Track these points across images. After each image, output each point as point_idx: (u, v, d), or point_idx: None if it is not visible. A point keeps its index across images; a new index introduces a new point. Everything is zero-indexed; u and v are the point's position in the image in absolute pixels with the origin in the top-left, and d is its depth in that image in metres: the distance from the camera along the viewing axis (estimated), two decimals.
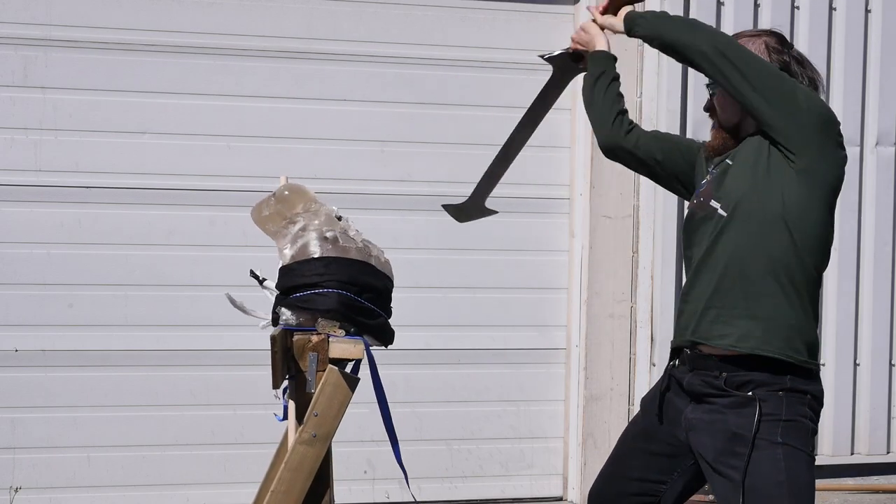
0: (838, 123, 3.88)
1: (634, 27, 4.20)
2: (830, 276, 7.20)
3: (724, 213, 3.89)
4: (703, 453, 3.90)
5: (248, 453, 6.43)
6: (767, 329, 3.83)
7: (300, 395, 3.94)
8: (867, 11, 7.25)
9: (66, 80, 6.30)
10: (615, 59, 4.38)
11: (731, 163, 3.95)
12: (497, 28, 6.83)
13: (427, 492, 6.78)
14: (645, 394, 4.25)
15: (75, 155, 6.32)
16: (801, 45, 7.13)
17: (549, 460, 6.98)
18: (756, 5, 7.06)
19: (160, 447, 6.46)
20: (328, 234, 4.01)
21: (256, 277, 4.08)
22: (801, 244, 3.83)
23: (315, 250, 3.97)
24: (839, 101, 7.20)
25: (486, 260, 6.84)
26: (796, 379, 3.83)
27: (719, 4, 7.00)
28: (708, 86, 4.01)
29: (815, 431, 3.89)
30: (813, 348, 3.89)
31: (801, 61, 3.96)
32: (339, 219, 4.10)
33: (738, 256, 3.87)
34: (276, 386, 3.94)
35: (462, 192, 6.78)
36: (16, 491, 6.24)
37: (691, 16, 6.95)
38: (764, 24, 7.06)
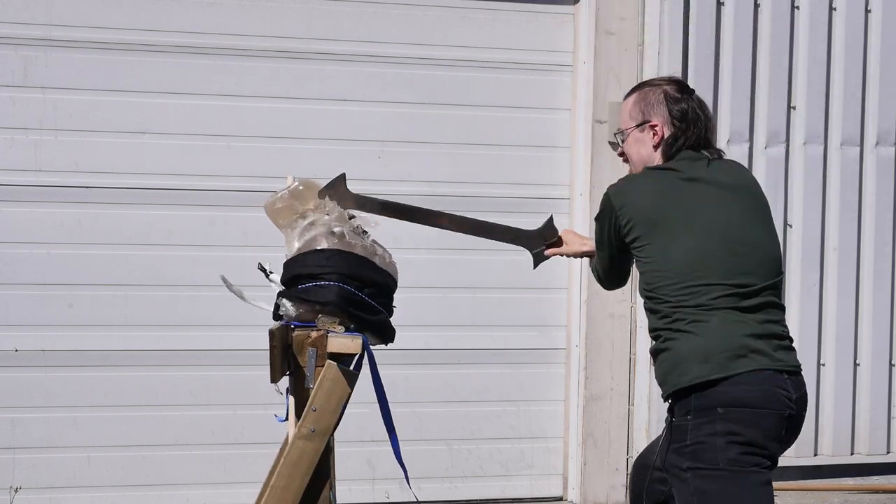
0: (605, 211, 4.14)
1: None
2: (830, 276, 7.21)
3: None
4: None
5: (248, 453, 6.43)
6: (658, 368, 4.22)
7: (299, 390, 3.95)
8: (867, 11, 7.25)
9: (66, 80, 6.30)
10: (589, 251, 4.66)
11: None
12: (497, 28, 6.83)
13: (427, 492, 6.78)
14: None
15: (75, 155, 6.32)
16: (801, 45, 7.14)
17: (549, 460, 6.98)
18: (756, 5, 7.06)
19: (160, 447, 6.46)
20: (336, 230, 4.03)
21: (263, 270, 4.10)
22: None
23: (321, 243, 3.99)
24: (839, 101, 7.20)
25: (486, 260, 6.83)
26: (702, 396, 3.97)
27: (719, 4, 7.00)
28: (615, 134, 4.34)
29: (734, 442, 3.92)
30: (698, 360, 4.01)
31: (698, 109, 4.15)
32: (353, 218, 4.13)
33: None
34: (273, 380, 3.94)
35: (462, 191, 6.81)
36: (16, 491, 6.24)
37: (691, 16, 6.96)
38: (764, 25, 7.07)
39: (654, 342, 4.15)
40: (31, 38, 6.26)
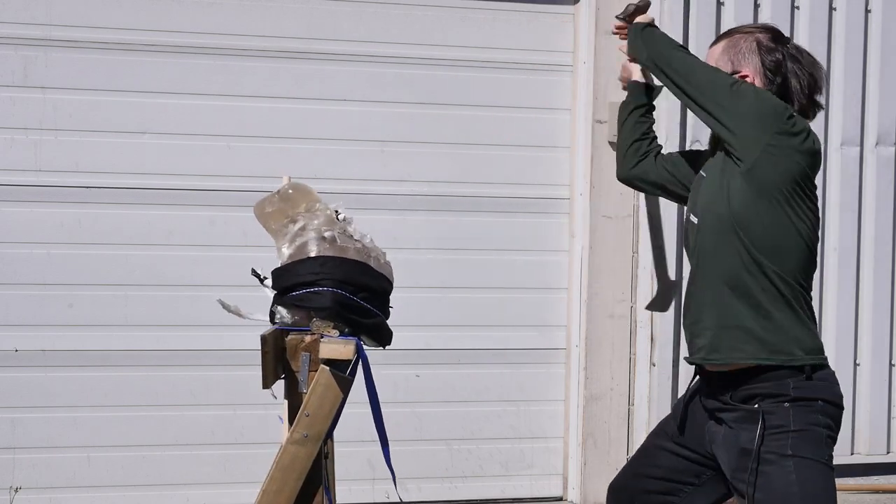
0: (783, 118, 3.77)
1: (630, 50, 4.33)
2: (830, 276, 7.21)
3: (697, 227, 3.90)
4: (724, 468, 3.91)
5: (248, 453, 6.43)
6: (736, 338, 3.80)
7: (293, 395, 3.94)
8: (867, 11, 7.25)
9: (66, 80, 6.30)
10: (647, 86, 4.41)
11: (704, 175, 3.95)
12: (497, 28, 6.83)
13: (427, 492, 6.78)
14: (680, 396, 4.24)
15: (75, 155, 6.32)
16: (801, 45, 7.11)
17: (549, 460, 6.98)
18: (756, 5, 7.06)
19: (160, 447, 6.46)
20: (326, 234, 4.01)
21: (258, 276, 4.08)
22: (752, 249, 3.78)
23: (312, 250, 3.97)
24: (839, 101, 7.20)
25: (486, 260, 6.84)
26: (801, 387, 3.78)
27: (719, 4, 7.00)
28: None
29: (831, 438, 3.81)
30: (800, 347, 3.82)
31: (797, 58, 3.89)
32: (345, 219, 4.10)
33: (707, 268, 3.87)
34: (265, 386, 3.94)
35: (462, 191, 6.81)
36: (16, 491, 6.24)
37: (691, 16, 6.96)
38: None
39: (752, 294, 3.80)
40: (31, 38, 6.26)
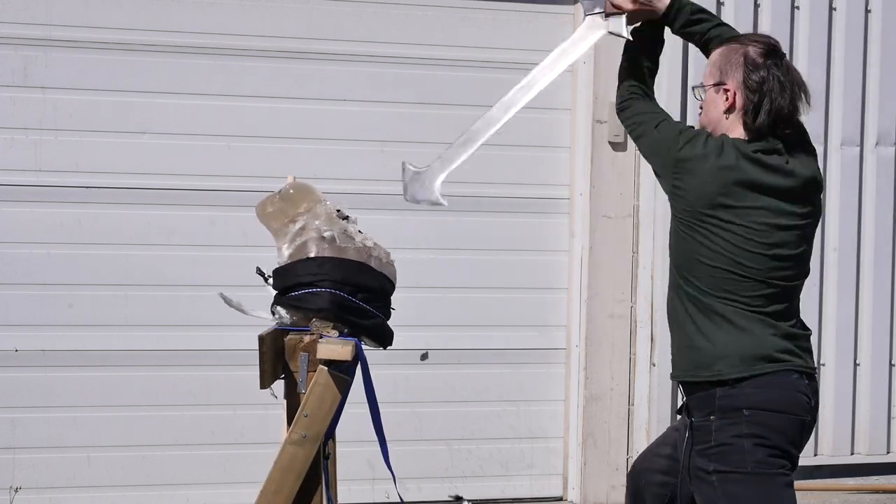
0: (675, 144, 3.91)
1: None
2: (830, 276, 7.21)
3: None
4: None
5: (248, 453, 6.43)
6: (676, 353, 3.98)
7: (292, 395, 3.94)
8: (867, 11, 7.25)
9: (66, 80, 6.30)
10: (655, 23, 4.35)
11: None
12: (497, 28, 6.82)
13: (427, 492, 6.78)
14: None
15: (75, 155, 6.32)
16: (801, 45, 7.13)
17: (549, 460, 6.98)
18: (756, 5, 7.06)
19: (160, 447, 6.46)
20: (326, 234, 4.00)
21: (262, 275, 4.07)
22: (675, 273, 3.98)
23: (312, 250, 3.97)
24: (839, 101, 7.20)
25: (486, 260, 6.84)
26: (727, 396, 3.84)
27: (719, 4, 7.00)
28: (694, 88, 4.12)
29: (761, 445, 3.83)
30: (731, 361, 3.86)
31: (780, 78, 3.89)
32: (346, 218, 4.09)
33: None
34: (263, 386, 3.93)
35: (462, 191, 6.80)
36: (16, 491, 6.24)
37: None
38: (764, 25, 7.06)
39: (680, 316, 3.94)
40: (31, 38, 6.26)
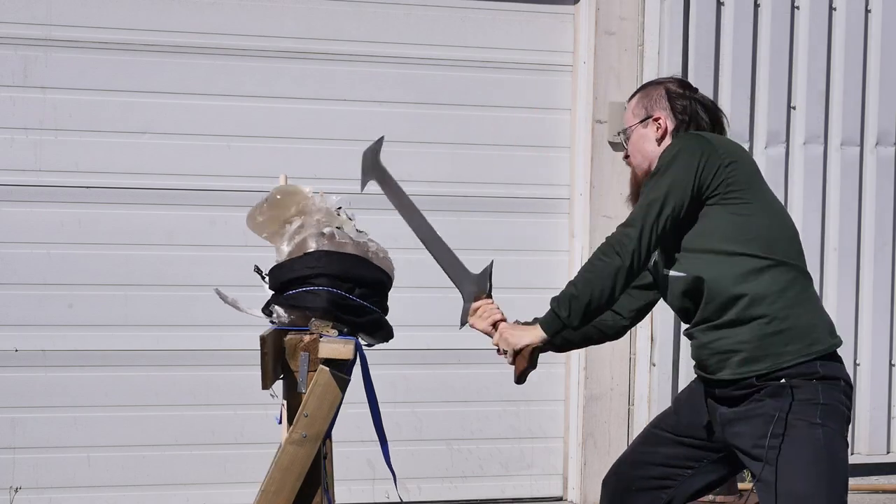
0: (690, 150, 3.94)
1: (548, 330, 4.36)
2: (830, 276, 7.21)
3: None
4: (740, 443, 3.96)
5: (248, 453, 6.43)
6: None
7: (292, 395, 3.94)
8: (867, 11, 7.25)
9: (66, 80, 6.30)
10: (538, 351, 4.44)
11: None
12: (497, 28, 6.83)
13: (427, 492, 6.78)
14: (679, 392, 4.38)
15: (75, 155, 6.32)
16: (801, 45, 7.14)
17: (549, 460, 6.98)
18: (756, 5, 7.06)
19: (160, 447, 6.46)
20: (325, 230, 4.00)
21: (260, 273, 4.06)
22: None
23: (311, 245, 3.96)
24: (839, 101, 7.20)
25: (485, 260, 6.82)
26: (826, 365, 3.97)
27: (719, 4, 7.00)
28: (618, 134, 4.28)
29: (849, 419, 3.99)
30: (828, 329, 4.16)
31: (702, 102, 4.14)
32: (346, 216, 4.09)
33: None
34: (265, 386, 3.93)
35: (462, 191, 6.81)
36: (16, 491, 6.24)
37: (691, 16, 6.95)
38: (764, 25, 7.07)
39: (740, 309, 3.94)
40: (31, 38, 6.26)
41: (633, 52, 6.84)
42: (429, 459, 6.78)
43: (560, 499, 7.00)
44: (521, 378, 4.30)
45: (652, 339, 6.92)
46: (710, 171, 3.90)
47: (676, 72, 6.89)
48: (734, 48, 7.01)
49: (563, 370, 6.95)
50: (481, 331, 4.41)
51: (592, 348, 6.83)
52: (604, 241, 4.08)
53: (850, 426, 7.23)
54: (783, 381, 3.89)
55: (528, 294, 6.89)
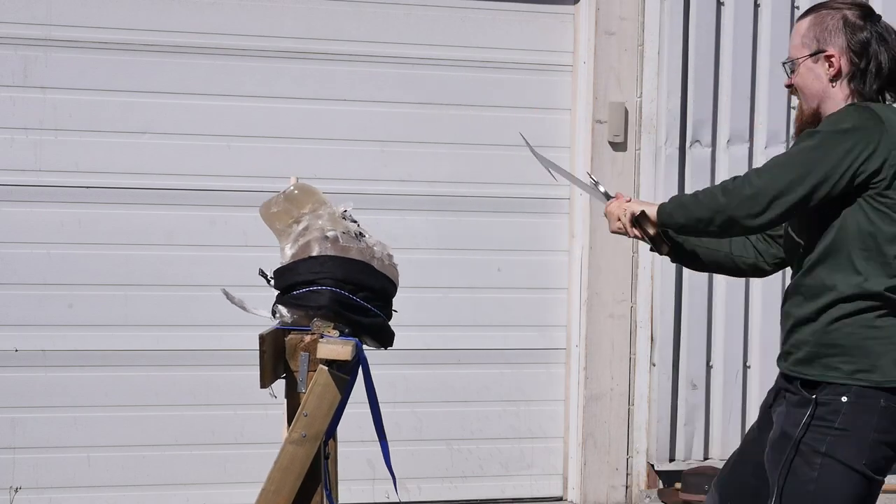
0: (836, 131, 3.65)
1: (661, 218, 3.91)
2: None
3: None
4: (767, 441, 3.76)
5: (248, 453, 6.43)
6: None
7: (292, 395, 3.94)
8: None
9: (66, 80, 6.30)
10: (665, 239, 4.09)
11: None
12: (497, 28, 6.83)
13: (427, 492, 6.78)
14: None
15: (75, 155, 6.32)
16: None
17: (549, 460, 6.98)
18: (756, 5, 7.06)
19: (160, 447, 6.46)
20: (329, 234, 4.01)
21: (265, 276, 4.07)
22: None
23: (315, 249, 3.97)
24: None
25: (486, 260, 6.84)
26: (867, 386, 3.61)
27: (719, 4, 7.00)
28: (784, 64, 3.84)
29: (885, 444, 3.62)
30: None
31: (884, 37, 3.73)
32: (355, 222, 4.09)
33: None
34: (263, 385, 3.94)
35: (462, 191, 6.81)
36: (16, 491, 6.24)
37: (691, 16, 6.95)
38: (764, 25, 7.06)
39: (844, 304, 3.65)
40: (31, 38, 6.26)
41: (633, 52, 6.84)
42: (429, 459, 6.78)
43: (560, 499, 7.00)
44: (653, 245, 4.02)
45: (652, 340, 6.92)
46: (872, 165, 3.56)
47: (676, 71, 6.89)
48: (734, 48, 7.01)
49: (563, 370, 6.96)
50: (614, 214, 4.02)
51: (592, 349, 6.84)
52: (739, 175, 3.72)
53: None
54: (814, 396, 3.63)
55: (528, 294, 6.90)
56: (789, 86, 3.83)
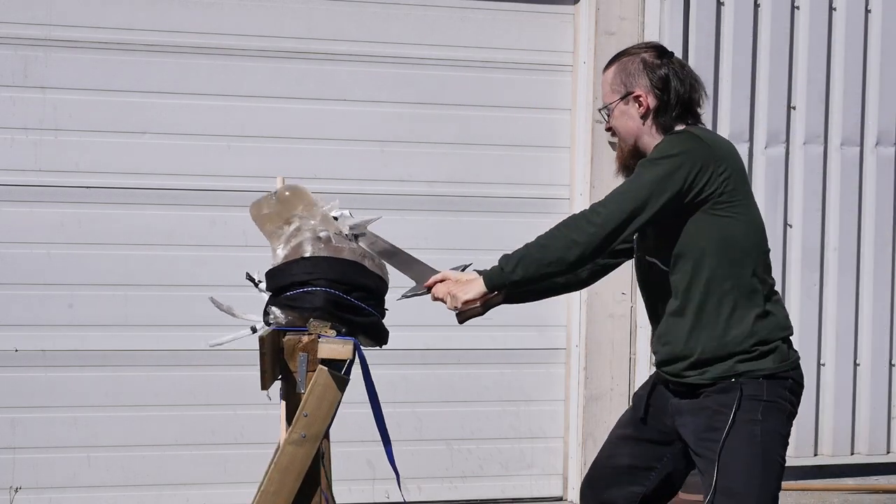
0: (666, 156, 3.90)
1: (493, 282, 4.33)
2: (830, 276, 7.21)
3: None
4: (686, 435, 4.03)
5: (248, 453, 6.43)
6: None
7: (291, 395, 3.94)
8: (867, 11, 7.25)
9: (66, 80, 6.30)
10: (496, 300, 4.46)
11: None
12: (497, 28, 6.83)
13: (427, 492, 6.78)
14: (637, 389, 4.39)
15: (75, 155, 6.32)
16: (801, 44, 7.14)
17: (549, 460, 6.98)
18: (756, 5, 7.06)
19: (160, 447, 6.46)
20: (321, 234, 4.00)
21: (252, 280, 4.07)
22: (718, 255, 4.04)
23: (307, 250, 3.97)
24: (839, 101, 7.20)
25: (486, 260, 6.81)
26: (777, 366, 3.98)
27: (719, 4, 7.00)
28: (600, 110, 4.15)
29: (793, 414, 4.02)
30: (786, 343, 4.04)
31: (680, 73, 4.05)
32: (345, 217, 4.08)
33: None
34: (264, 387, 3.94)
35: (462, 191, 6.81)
36: (16, 491, 6.24)
37: (691, 16, 6.95)
38: (764, 25, 7.07)
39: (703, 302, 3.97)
40: (31, 38, 6.26)
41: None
42: (429, 459, 6.78)
43: (560, 499, 7.00)
44: (462, 319, 4.40)
45: None
46: (703, 179, 3.87)
47: None
48: (734, 48, 7.01)
49: (563, 370, 6.96)
50: (429, 290, 4.35)
51: (592, 349, 6.84)
52: (576, 213, 4.06)
53: (851, 427, 7.30)
54: (733, 379, 3.95)
55: None
56: (609, 129, 4.13)
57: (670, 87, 4.01)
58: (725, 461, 3.90)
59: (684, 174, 3.85)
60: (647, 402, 4.19)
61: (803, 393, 4.07)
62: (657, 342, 4.12)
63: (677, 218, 3.91)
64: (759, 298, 3.96)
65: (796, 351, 4.05)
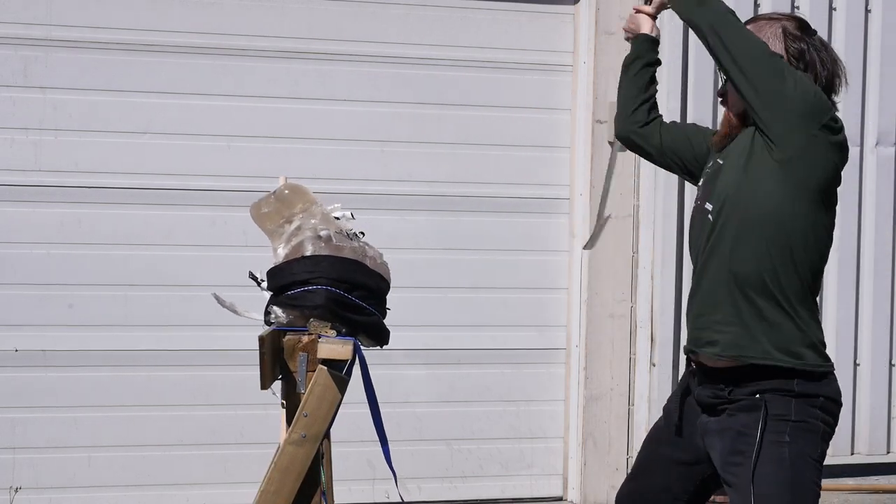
0: (829, 112, 3.70)
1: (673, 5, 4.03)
2: (830, 276, 7.20)
3: (712, 217, 3.77)
4: (714, 457, 3.84)
5: (248, 453, 6.43)
6: (754, 337, 3.75)
7: (291, 395, 3.94)
8: (867, 11, 7.25)
9: (66, 80, 6.30)
10: (656, 41, 4.30)
11: (721, 162, 3.82)
12: (497, 28, 6.83)
13: (427, 492, 6.78)
14: (667, 399, 4.17)
15: (75, 155, 6.32)
16: None
17: (549, 460, 6.98)
18: (756, 5, 7.06)
19: (160, 447, 6.46)
20: (322, 233, 4.00)
21: (255, 279, 4.07)
22: (786, 248, 3.71)
23: (308, 249, 3.97)
24: (839, 101, 7.18)
25: (486, 260, 6.83)
26: (805, 383, 3.79)
27: None
28: (719, 70, 3.82)
29: (828, 434, 3.85)
30: (815, 350, 3.87)
31: (820, 51, 3.77)
32: (347, 219, 4.08)
33: (724, 260, 3.76)
34: (264, 387, 3.93)
35: (462, 191, 6.81)
36: (16, 491, 6.24)
37: None
38: None
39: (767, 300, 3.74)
40: (31, 38, 6.26)
41: None
42: (429, 459, 6.78)
43: (560, 499, 7.00)
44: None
45: (652, 340, 6.92)
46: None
47: (676, 71, 6.89)
48: None
49: (563, 370, 6.96)
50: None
51: (592, 349, 6.84)
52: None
53: (851, 427, 7.29)
54: (758, 396, 3.74)
55: (528, 294, 6.90)
56: (721, 95, 3.85)
57: (807, 60, 3.73)
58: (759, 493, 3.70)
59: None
60: (679, 423, 3.96)
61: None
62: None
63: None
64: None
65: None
